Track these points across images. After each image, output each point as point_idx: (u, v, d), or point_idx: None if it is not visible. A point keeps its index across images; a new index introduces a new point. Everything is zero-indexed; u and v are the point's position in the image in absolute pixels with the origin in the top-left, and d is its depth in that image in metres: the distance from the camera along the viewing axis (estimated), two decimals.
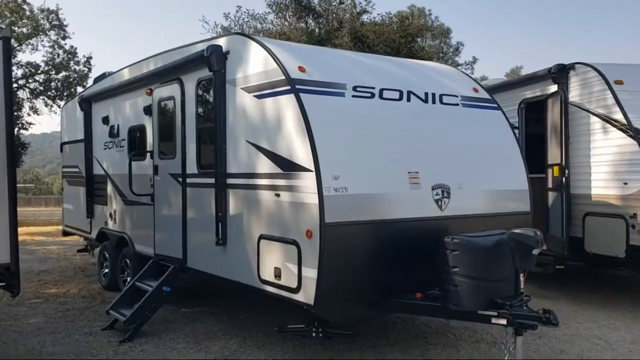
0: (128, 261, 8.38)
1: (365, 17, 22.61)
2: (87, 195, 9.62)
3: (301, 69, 5.20)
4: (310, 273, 4.78)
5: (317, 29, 22.29)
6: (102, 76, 9.39)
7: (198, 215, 6.55)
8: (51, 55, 29.84)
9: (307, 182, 4.81)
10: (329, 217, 4.68)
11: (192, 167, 6.65)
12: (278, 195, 5.17)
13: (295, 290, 4.95)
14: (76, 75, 30.17)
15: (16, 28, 28.42)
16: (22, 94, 30.04)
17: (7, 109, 5.69)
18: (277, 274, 5.17)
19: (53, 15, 28.61)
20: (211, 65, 5.94)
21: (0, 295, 5.99)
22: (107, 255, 9.20)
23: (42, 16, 28.47)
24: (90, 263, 11.67)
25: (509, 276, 4.90)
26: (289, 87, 5.05)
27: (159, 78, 7.29)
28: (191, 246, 6.69)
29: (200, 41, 6.67)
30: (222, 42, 6.06)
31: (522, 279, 4.89)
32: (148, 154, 7.65)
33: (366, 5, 22.94)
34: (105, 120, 8.99)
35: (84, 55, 34.93)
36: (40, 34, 28.71)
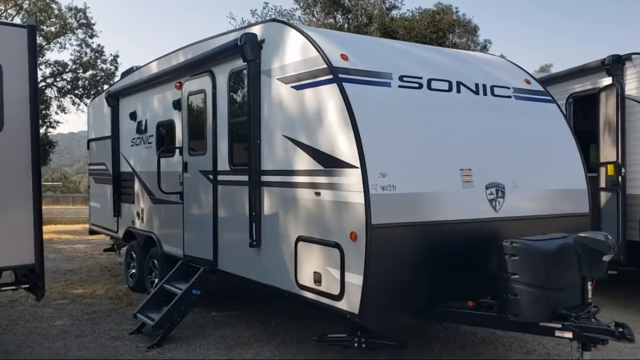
0: (156, 262, 8.08)
1: (394, 13, 22.11)
2: (114, 193, 9.37)
3: (344, 57, 4.79)
4: (355, 279, 4.38)
5: (345, 25, 21.86)
6: (130, 70, 9.12)
7: (230, 215, 6.20)
8: (78, 54, 30.09)
9: (351, 179, 4.40)
10: (375, 218, 4.26)
11: (223, 164, 6.30)
12: (318, 193, 4.78)
13: (338, 298, 4.55)
14: (103, 73, 30.30)
15: (44, 27, 28.62)
16: (50, 93, 30.33)
17: (32, 104, 5.41)
18: (317, 279, 4.78)
19: (81, 13, 28.77)
20: (245, 54, 5.57)
21: (25, 296, 5.69)
22: (134, 256, 8.93)
23: (70, 14, 28.62)
24: (117, 263, 11.45)
25: (574, 284, 4.43)
26: (330, 77, 4.65)
27: (188, 70, 6.96)
28: (222, 247, 6.34)
29: (233, 30, 6.31)
30: (256, 30, 5.68)
31: (589, 287, 4.40)
32: (177, 151, 7.33)
33: (395, 1, 22.49)
34: (133, 115, 8.72)
35: (111, 54, 35.23)
36: (68, 32, 28.85)
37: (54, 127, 31.32)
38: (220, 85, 6.35)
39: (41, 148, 21.17)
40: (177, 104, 7.29)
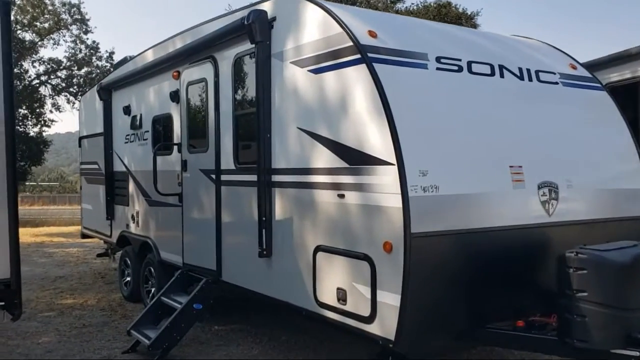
0: (152, 270, 7.34)
1: (399, 6, 21.36)
2: (106, 194, 8.62)
3: (372, 34, 4.05)
4: (390, 299, 3.64)
5: None
6: (123, 61, 8.37)
7: (236, 220, 5.46)
8: (73, 51, 29.24)
9: (385, 179, 3.66)
10: (416, 225, 3.53)
11: (228, 162, 5.56)
12: (342, 196, 4.04)
13: (368, 320, 3.81)
14: (98, 70, 29.46)
15: (38, 23, 27.82)
16: (44, 91, 29.50)
17: (7, 94, 4.64)
18: (341, 297, 4.04)
19: (75, 9, 27.90)
20: (253, 35, 4.83)
21: (0, 316, 4.95)
22: (128, 262, 8.18)
23: (63, 10, 27.76)
24: (111, 268, 10.70)
25: None
26: (358, 56, 3.91)
27: (187, 58, 6.21)
28: (227, 256, 5.60)
29: (237, 9, 5.55)
30: (266, 6, 4.93)
31: None
32: (175, 148, 6.58)
33: None
34: (127, 110, 7.97)
35: (107, 51, 34.52)
36: (62, 28, 28.02)
37: (48, 126, 30.47)
38: (223, 72, 5.61)
39: (35, 147, 20.37)
40: (174, 96, 6.55)
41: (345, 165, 4.01)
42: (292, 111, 4.63)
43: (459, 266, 3.83)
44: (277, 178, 4.82)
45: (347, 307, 3.99)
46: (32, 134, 29.12)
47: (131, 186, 7.92)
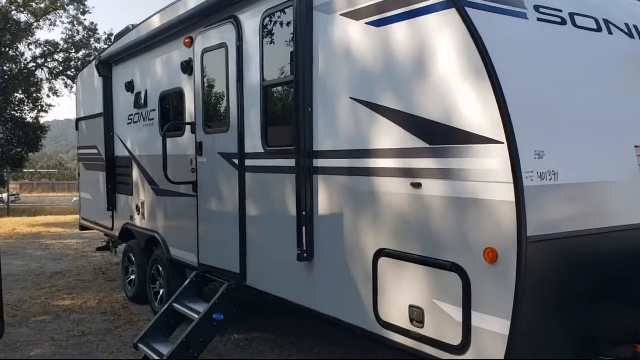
0: (161, 269, 6.40)
1: None
2: (107, 182, 7.66)
3: None
4: (493, 324, 2.70)
5: None
6: (125, 31, 7.35)
7: (265, 214, 4.51)
8: (70, 32, 28.15)
9: (488, 162, 2.71)
10: (533, 226, 2.58)
11: (254, 144, 4.60)
12: (417, 185, 3.08)
13: (458, 350, 2.87)
14: (97, 53, 28.31)
15: (33, 3, 26.65)
16: (41, 74, 28.43)
17: None
18: (416, 317, 3.10)
19: None
20: None
21: None
22: (133, 259, 7.25)
23: None
24: (112, 263, 9.78)
25: None
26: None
27: (202, 20, 5.22)
28: (254, 257, 4.66)
29: None
30: None
31: None
32: (188, 128, 5.61)
33: None
34: (130, 86, 6.98)
35: (105, 32, 33.35)
36: (59, 8, 26.87)
37: (46, 111, 29.67)
38: (248, 35, 4.63)
39: (32, 133, 19.40)
40: (186, 67, 5.57)
41: (424, 145, 3.05)
42: (343, 78, 3.65)
43: (579, 279, 2.88)
44: (321, 163, 3.85)
45: (425, 332, 3.05)
46: (29, 119, 28.12)
47: (135, 173, 6.96)
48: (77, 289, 8.09)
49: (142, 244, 6.93)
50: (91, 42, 28.56)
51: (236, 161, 4.81)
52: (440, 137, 2.94)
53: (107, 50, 7.62)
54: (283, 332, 5.85)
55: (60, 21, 28.49)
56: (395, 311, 3.24)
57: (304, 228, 3.91)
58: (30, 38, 27.80)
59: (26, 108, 28.20)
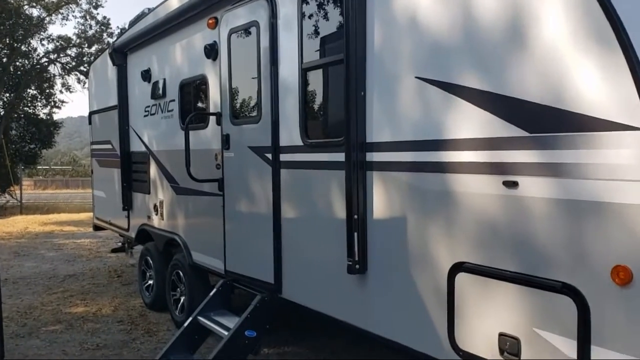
0: (182, 274, 5.84)
1: None
2: (122, 179, 7.10)
3: None
4: None
5: None
6: (141, 15, 6.77)
7: (305, 216, 3.90)
8: (83, 27, 27.70)
9: (617, 155, 2.09)
10: None
11: (291, 136, 3.99)
12: (512, 184, 2.46)
13: None
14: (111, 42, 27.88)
15: None
16: (54, 70, 28.02)
17: None
18: (509, 348, 2.48)
19: None
20: None
21: None
22: (150, 262, 6.69)
23: None
24: (128, 265, 9.26)
25: None
26: None
27: None
28: (291, 266, 4.07)
29: None
30: None
31: None
32: (212, 119, 5.02)
33: None
34: (146, 75, 6.41)
35: (118, 27, 32.82)
36: (71, 2, 26.42)
37: (59, 107, 29.10)
38: (284, 10, 4.02)
39: (45, 129, 18.99)
40: (210, 51, 4.97)
41: (522, 133, 2.42)
42: (406, 54, 3.03)
43: None
44: (376, 157, 3.24)
45: None
46: (41, 115, 27.77)
47: (153, 170, 6.40)
48: (91, 294, 7.56)
49: (160, 246, 6.38)
50: (104, 37, 28.09)
51: (269, 155, 4.21)
52: (546, 123, 2.32)
53: (122, 36, 7.06)
54: (318, 346, 5.27)
55: (73, 15, 28.26)
56: (480, 339, 2.63)
57: (355, 234, 3.30)
58: (42, 33, 27.40)
59: (39, 104, 27.85)
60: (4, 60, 25.78)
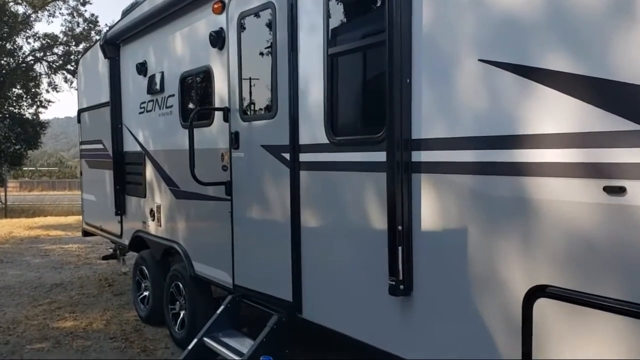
0: (182, 287, 5.29)
1: None
2: (115, 182, 6.54)
3: None
4: None
5: None
6: (136, 3, 6.21)
7: (332, 226, 3.38)
8: (70, 25, 26.98)
9: None
10: None
11: (313, 133, 3.48)
12: (617, 190, 1.96)
13: None
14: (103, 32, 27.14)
15: None
16: (40, 68, 27.26)
17: None
18: None
19: None
20: None
21: None
22: (146, 272, 6.13)
23: None
24: (120, 272, 8.67)
25: None
26: None
27: None
28: (313, 282, 3.54)
29: None
30: None
31: None
32: (218, 115, 4.50)
33: None
34: (142, 68, 5.86)
35: (106, 25, 32.01)
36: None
37: (45, 107, 28.33)
38: None
39: (31, 129, 18.31)
40: (217, 38, 4.44)
41: (631, 126, 1.92)
42: (465, 32, 2.53)
43: None
44: (426, 156, 2.73)
45: None
46: (27, 115, 26.99)
47: (149, 171, 5.85)
48: (81, 306, 6.98)
49: (157, 255, 5.83)
50: (91, 35, 27.37)
51: (286, 155, 3.69)
52: None
53: (114, 27, 6.51)
54: None
55: (60, 12, 27.28)
56: None
57: (399, 249, 2.78)
58: (28, 31, 26.65)
59: (24, 103, 27.09)
60: None
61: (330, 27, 3.31)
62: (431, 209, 2.71)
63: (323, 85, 3.35)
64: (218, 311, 4.18)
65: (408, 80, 2.77)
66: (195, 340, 4.08)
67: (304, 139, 3.58)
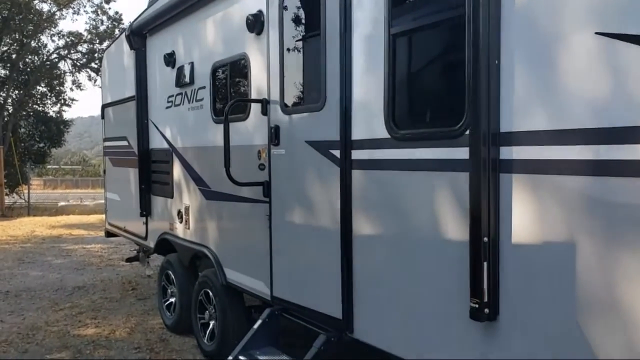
0: (212, 295, 4.87)
1: None
2: (140, 181, 6.16)
3: None
4: None
5: None
6: None
7: (392, 233, 2.91)
8: (94, 22, 26.90)
9: None
10: None
11: (370, 126, 3.02)
12: None
13: None
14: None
15: None
16: (64, 66, 27.26)
17: None
18: None
19: None
20: None
21: None
22: (172, 278, 5.74)
23: None
24: (143, 275, 8.31)
25: None
26: None
27: None
28: (368, 298, 3.08)
29: None
30: None
31: None
32: (254, 108, 4.06)
33: None
34: (170, 59, 5.46)
35: (130, 22, 32.12)
36: None
37: (69, 105, 28.40)
38: None
39: (55, 128, 18.22)
40: (255, 22, 4.00)
41: None
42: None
43: None
44: (519, 153, 2.25)
45: None
46: (51, 113, 27.01)
47: (177, 170, 5.44)
48: (103, 311, 6.62)
49: (185, 260, 5.42)
50: (115, 33, 27.26)
51: (336, 153, 3.23)
52: None
53: (140, 16, 6.12)
54: None
55: (84, 10, 27.19)
56: None
57: (484, 265, 2.30)
58: (52, 29, 26.64)
59: (49, 102, 27.12)
60: (13, 56, 25.06)
61: (394, 2, 2.84)
62: (525, 216, 2.22)
63: (383, 70, 2.88)
64: (255, 326, 3.74)
65: (497, 62, 2.29)
66: (233, 357, 3.64)
67: (357, 133, 3.12)
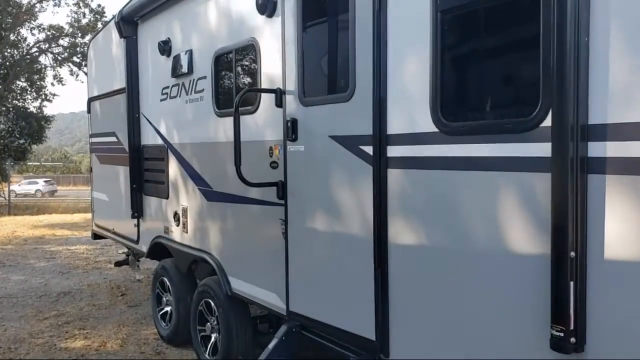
0: (213, 305, 4.42)
1: None
2: (131, 180, 5.67)
3: None
4: None
5: None
6: None
7: (440, 243, 2.49)
8: (76, 15, 26.15)
9: None
10: None
11: (411, 118, 2.60)
12: None
13: None
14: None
15: None
16: (45, 60, 26.49)
17: None
18: None
19: None
20: None
21: None
22: (168, 285, 5.28)
23: None
24: (133, 279, 7.84)
25: None
26: None
27: None
28: (409, 317, 2.67)
29: None
30: None
31: None
32: (265, 100, 3.62)
33: None
34: (165, 47, 4.98)
35: (113, 15, 31.35)
36: None
37: (50, 100, 27.61)
38: None
39: (35, 124, 17.55)
40: (265, 3, 3.55)
41: None
42: None
43: None
44: (614, 150, 1.85)
45: None
46: (31, 109, 26.23)
47: (173, 168, 4.98)
48: (91, 320, 6.13)
49: (182, 266, 4.97)
50: (98, 26, 26.51)
51: (367, 149, 2.81)
52: None
53: (131, 1, 5.63)
54: None
55: (65, 3, 26.38)
56: None
57: (570, 285, 1.90)
58: (32, 21, 25.85)
59: (29, 97, 26.36)
60: None
61: None
62: (621, 226, 1.82)
63: (430, 53, 2.47)
64: (270, 345, 3.31)
65: (586, 39, 1.89)
66: None
67: (395, 126, 2.70)
